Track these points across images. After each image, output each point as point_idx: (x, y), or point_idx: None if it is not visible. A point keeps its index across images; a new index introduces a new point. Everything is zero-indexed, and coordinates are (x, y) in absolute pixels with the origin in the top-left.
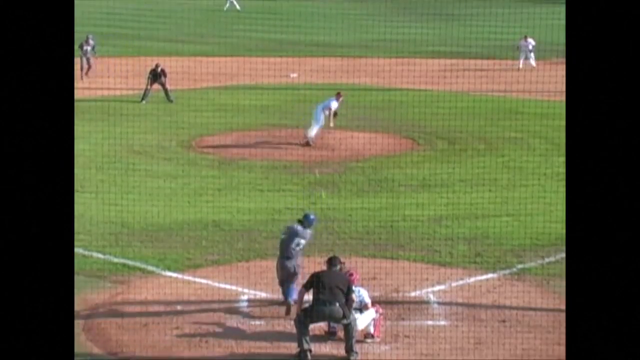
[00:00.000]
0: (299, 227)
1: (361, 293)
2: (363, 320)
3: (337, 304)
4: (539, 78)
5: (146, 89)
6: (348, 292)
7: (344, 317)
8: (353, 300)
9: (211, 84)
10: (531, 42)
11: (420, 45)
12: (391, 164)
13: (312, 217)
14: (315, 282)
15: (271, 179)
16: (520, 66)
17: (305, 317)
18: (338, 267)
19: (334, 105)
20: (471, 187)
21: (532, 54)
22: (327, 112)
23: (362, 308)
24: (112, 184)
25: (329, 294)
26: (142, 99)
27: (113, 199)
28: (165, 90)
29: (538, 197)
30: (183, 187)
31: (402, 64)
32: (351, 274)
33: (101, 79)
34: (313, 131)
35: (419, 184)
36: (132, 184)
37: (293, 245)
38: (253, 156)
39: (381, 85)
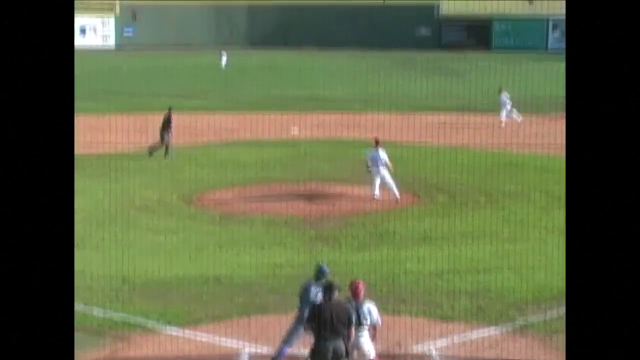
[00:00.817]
0: (313, 281)
1: (371, 310)
2: (371, 347)
3: (341, 339)
4: (537, 132)
5: (163, 143)
6: (349, 323)
7: (347, 353)
8: (352, 334)
9: (212, 139)
10: (504, 96)
11: (420, 100)
12: (392, 218)
13: (325, 268)
14: (317, 317)
15: (272, 233)
16: (503, 120)
17: None
18: (336, 293)
19: (384, 155)
20: (472, 240)
21: (506, 109)
22: (385, 167)
23: (375, 326)
24: (113, 239)
25: (331, 330)
26: (165, 154)
27: (114, 254)
28: (168, 145)
29: (539, 251)
30: (184, 242)
31: (402, 119)
32: (356, 286)
33: (102, 135)
34: (376, 189)
35: (420, 237)
36: (132, 239)
37: (312, 296)
38: (254, 211)
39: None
